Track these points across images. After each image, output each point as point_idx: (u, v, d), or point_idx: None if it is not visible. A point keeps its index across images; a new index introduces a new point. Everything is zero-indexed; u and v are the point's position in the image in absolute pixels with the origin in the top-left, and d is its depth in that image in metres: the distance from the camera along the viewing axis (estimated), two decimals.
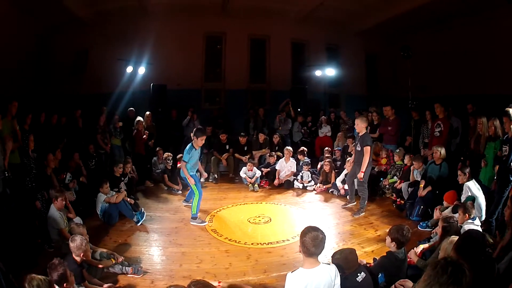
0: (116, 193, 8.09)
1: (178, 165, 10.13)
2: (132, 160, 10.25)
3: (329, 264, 3.61)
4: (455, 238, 4.21)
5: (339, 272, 3.72)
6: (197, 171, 8.36)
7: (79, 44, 13.79)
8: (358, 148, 8.24)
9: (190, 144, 7.82)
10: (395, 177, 9.50)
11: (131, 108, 12.73)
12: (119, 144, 11.51)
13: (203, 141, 7.90)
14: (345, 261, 4.16)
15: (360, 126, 8.18)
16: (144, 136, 11.59)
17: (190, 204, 8.09)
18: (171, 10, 13.74)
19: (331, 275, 3.47)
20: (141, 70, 13.49)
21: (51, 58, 13.22)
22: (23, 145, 7.32)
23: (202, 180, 8.13)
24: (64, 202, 6.43)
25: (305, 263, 3.52)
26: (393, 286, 3.83)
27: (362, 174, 8.11)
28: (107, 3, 12.79)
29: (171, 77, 13.92)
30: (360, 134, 8.25)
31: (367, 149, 8.03)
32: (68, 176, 8.61)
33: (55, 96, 12.45)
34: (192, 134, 7.95)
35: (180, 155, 9.62)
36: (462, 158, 8.89)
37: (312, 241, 3.40)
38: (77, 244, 4.68)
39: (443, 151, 8.13)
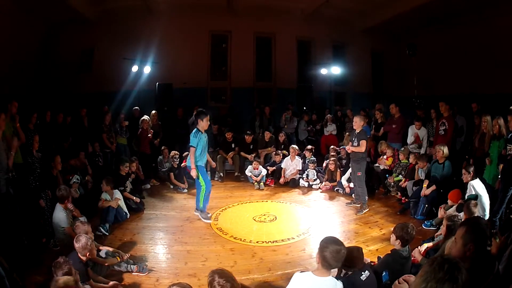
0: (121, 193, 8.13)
1: (183, 164, 10.18)
2: (138, 158, 10.29)
3: (337, 279, 3.59)
4: None
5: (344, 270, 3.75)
6: (205, 163, 8.17)
7: (85, 43, 13.93)
8: (355, 144, 8.31)
9: (195, 129, 7.68)
10: (400, 176, 9.48)
11: (136, 107, 12.81)
12: (125, 143, 11.55)
13: (208, 122, 7.81)
14: (351, 259, 4.17)
15: (359, 124, 8.32)
16: (149, 135, 11.61)
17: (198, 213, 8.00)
18: (176, 8, 13.86)
19: None
20: (147, 69, 13.53)
21: (57, 57, 13.36)
22: (28, 145, 7.38)
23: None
24: (70, 203, 6.50)
25: (317, 269, 3.53)
26: (397, 281, 3.84)
27: (349, 149, 8.50)
28: (113, 2, 12.88)
29: (177, 76, 14.01)
30: (357, 131, 8.35)
31: (363, 142, 8.14)
32: (75, 178, 8.61)
33: (61, 95, 12.55)
34: (194, 119, 7.80)
35: (186, 152, 9.63)
36: (467, 156, 8.86)
37: (333, 256, 3.40)
38: (82, 244, 4.68)
39: (445, 149, 8.11)
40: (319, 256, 3.48)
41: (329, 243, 3.49)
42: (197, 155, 7.64)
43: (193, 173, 7.60)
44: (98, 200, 7.72)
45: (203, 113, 7.70)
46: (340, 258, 3.42)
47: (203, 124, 7.64)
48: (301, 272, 3.58)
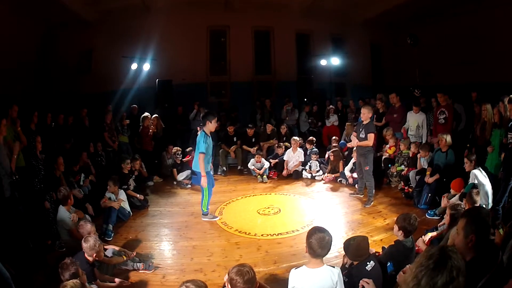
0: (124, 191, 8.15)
1: (186, 159, 10.21)
2: (140, 156, 10.31)
3: (333, 267, 3.63)
4: None
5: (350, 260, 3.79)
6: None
7: (84, 43, 13.92)
8: (362, 135, 8.23)
9: (202, 133, 7.32)
10: (402, 166, 9.46)
11: (134, 105, 12.84)
12: (127, 141, 11.56)
13: (216, 124, 7.58)
14: (357, 248, 4.21)
15: (367, 115, 8.19)
16: (150, 132, 11.62)
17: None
18: (174, 5, 13.84)
19: (333, 278, 3.51)
20: (146, 67, 13.53)
21: (56, 58, 13.33)
22: (30, 147, 7.38)
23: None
24: (72, 200, 6.52)
25: (309, 262, 3.59)
26: (402, 271, 3.86)
27: (356, 141, 8.34)
28: (110, 2, 12.86)
29: (176, 72, 14.05)
30: (364, 122, 8.26)
31: (371, 136, 8.07)
32: (82, 176, 8.73)
33: (61, 96, 12.58)
34: (200, 125, 7.60)
35: (190, 148, 9.64)
36: (468, 145, 8.85)
37: (318, 243, 3.46)
38: (91, 244, 4.70)
39: (448, 138, 8.08)
40: (307, 245, 3.56)
41: (314, 230, 3.59)
42: (199, 160, 7.31)
43: (204, 181, 7.36)
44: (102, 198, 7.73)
45: (211, 114, 7.50)
46: (325, 244, 3.48)
47: (211, 126, 7.37)
48: (296, 268, 3.64)
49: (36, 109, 8.82)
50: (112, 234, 6.92)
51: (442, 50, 13.69)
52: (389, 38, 17.08)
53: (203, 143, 7.21)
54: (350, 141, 10.08)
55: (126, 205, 7.88)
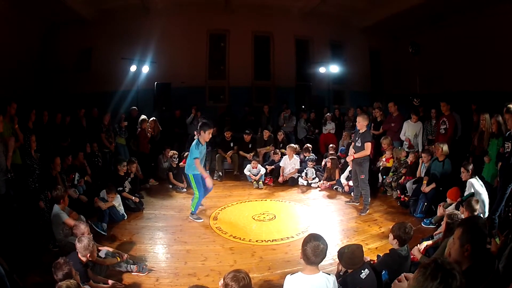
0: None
1: (181, 164, 10.17)
2: (137, 158, 10.24)
3: (329, 274, 3.62)
4: None
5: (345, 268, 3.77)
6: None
7: (83, 43, 13.91)
8: (358, 144, 8.25)
9: (196, 140, 7.68)
10: (396, 172, 9.46)
11: (134, 107, 12.80)
12: (124, 143, 11.53)
13: (210, 135, 7.82)
14: (351, 256, 4.20)
15: (362, 124, 8.20)
16: (148, 134, 11.59)
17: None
18: (174, 8, 13.90)
19: (328, 285, 3.49)
20: (145, 69, 13.48)
21: (55, 57, 13.34)
22: (25, 146, 7.35)
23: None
24: (67, 200, 6.47)
25: (305, 268, 3.58)
26: (396, 279, 3.84)
27: (353, 156, 8.35)
28: (110, 2, 12.89)
29: (175, 75, 14.01)
30: (360, 131, 8.26)
31: (368, 145, 8.09)
32: (76, 176, 8.67)
33: (59, 95, 12.55)
34: (197, 130, 7.83)
35: (187, 152, 9.61)
36: (467, 155, 8.85)
37: (312, 250, 3.45)
38: (84, 244, 4.68)
39: (445, 147, 8.07)
40: (302, 251, 3.55)
41: (309, 238, 3.58)
42: (196, 166, 7.69)
43: (209, 181, 7.83)
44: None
45: (207, 125, 7.73)
46: (319, 253, 3.47)
47: (205, 136, 7.65)
48: (291, 274, 3.62)
49: (35, 108, 8.80)
50: (105, 233, 6.92)
51: (442, 57, 13.66)
52: (388, 45, 17.10)
53: (195, 149, 7.63)
54: (344, 149, 10.14)
55: (120, 207, 7.85)
